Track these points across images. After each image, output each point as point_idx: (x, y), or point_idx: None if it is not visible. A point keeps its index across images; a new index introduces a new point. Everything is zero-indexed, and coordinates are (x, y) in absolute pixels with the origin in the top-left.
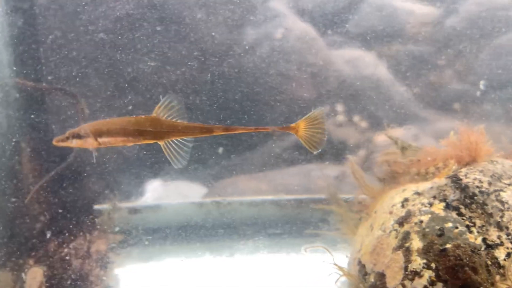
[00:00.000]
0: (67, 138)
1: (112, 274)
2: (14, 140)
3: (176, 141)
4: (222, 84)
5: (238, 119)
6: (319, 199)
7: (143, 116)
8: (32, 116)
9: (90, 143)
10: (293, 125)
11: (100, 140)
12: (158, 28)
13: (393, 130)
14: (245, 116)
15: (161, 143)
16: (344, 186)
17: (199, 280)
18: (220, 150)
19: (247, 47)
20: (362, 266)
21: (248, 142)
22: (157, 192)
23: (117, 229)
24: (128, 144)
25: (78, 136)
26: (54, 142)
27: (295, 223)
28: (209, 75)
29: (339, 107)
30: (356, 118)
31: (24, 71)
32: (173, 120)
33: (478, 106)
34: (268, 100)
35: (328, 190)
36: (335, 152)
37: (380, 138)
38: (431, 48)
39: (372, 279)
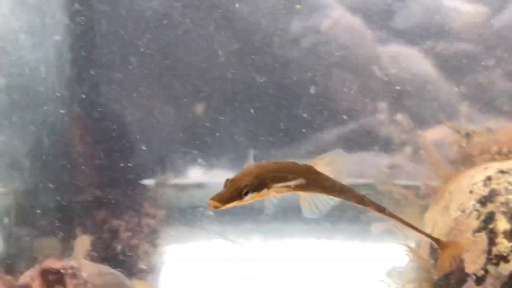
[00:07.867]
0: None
1: (159, 251)
2: (65, 110)
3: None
4: (262, 77)
5: (278, 112)
6: (374, 185)
7: (302, 165)
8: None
9: (264, 194)
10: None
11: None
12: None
13: (442, 128)
14: (285, 110)
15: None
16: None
17: (247, 263)
18: (264, 137)
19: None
20: (434, 249)
21: (291, 132)
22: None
23: (163, 205)
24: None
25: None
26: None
27: (350, 208)
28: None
29: (384, 104)
30: (400, 116)
31: None
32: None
33: None
34: (309, 94)
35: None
36: (381, 145)
37: (428, 135)
38: (479, 47)
39: None
